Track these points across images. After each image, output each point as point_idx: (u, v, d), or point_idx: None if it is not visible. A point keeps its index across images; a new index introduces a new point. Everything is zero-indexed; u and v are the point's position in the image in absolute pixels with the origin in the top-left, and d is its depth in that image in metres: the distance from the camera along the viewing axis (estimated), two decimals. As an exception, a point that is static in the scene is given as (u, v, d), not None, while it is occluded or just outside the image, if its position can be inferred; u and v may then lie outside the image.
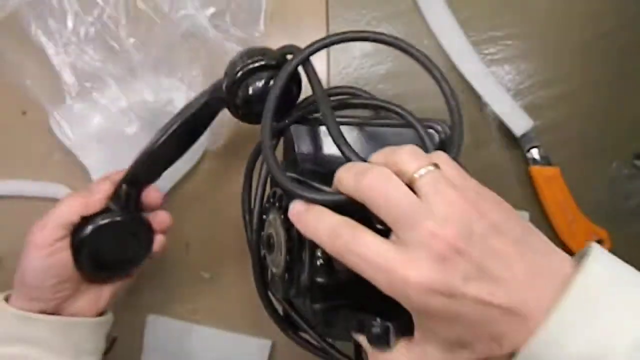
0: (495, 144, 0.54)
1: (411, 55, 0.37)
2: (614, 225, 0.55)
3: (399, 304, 0.28)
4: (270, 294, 0.44)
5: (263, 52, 0.41)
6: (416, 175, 0.29)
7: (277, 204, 0.37)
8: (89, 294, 0.43)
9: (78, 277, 0.41)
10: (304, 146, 0.39)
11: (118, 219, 0.41)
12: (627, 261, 0.56)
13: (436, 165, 0.29)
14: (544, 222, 0.54)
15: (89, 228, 0.40)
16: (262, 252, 0.42)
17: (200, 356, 0.54)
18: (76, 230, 0.40)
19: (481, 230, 0.27)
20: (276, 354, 0.55)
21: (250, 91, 0.41)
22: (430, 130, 0.39)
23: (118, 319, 0.54)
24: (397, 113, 0.40)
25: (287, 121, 0.41)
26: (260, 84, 0.40)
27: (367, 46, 0.54)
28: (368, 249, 0.28)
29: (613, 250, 0.56)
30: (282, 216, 0.36)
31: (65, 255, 0.40)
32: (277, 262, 0.37)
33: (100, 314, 0.44)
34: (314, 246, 0.34)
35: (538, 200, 0.54)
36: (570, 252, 0.50)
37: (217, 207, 0.54)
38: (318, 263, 0.34)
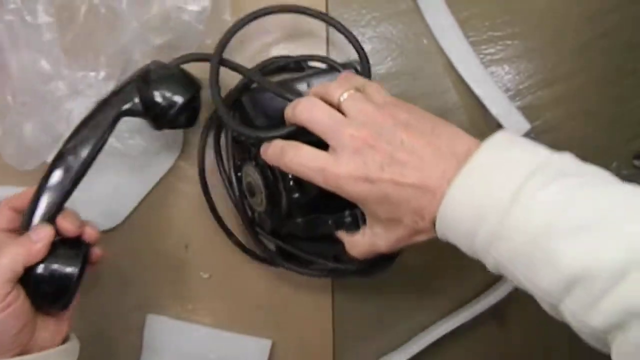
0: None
1: (311, 15, 0.47)
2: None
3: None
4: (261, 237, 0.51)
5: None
6: (341, 99, 0.37)
7: (249, 157, 0.46)
8: (50, 324, 0.40)
9: (35, 314, 0.39)
10: (256, 109, 0.47)
11: (65, 259, 0.39)
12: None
13: (358, 89, 0.38)
14: (544, 222, 0.54)
15: (41, 272, 0.38)
16: (247, 202, 0.49)
17: (200, 356, 0.54)
18: (27, 274, 0.38)
19: (391, 128, 0.35)
20: (276, 354, 0.55)
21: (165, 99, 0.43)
22: (351, 69, 0.47)
23: (118, 319, 0.54)
24: (321, 60, 0.49)
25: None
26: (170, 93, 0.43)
27: (366, 47, 0.54)
28: (306, 157, 0.37)
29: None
30: (254, 163, 0.45)
31: (19, 304, 0.37)
32: (259, 201, 0.46)
33: (65, 340, 0.41)
34: (283, 174, 0.42)
35: (538, 200, 0.54)
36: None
37: (217, 206, 0.54)
38: (291, 183, 0.43)
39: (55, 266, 0.39)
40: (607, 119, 0.55)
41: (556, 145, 0.54)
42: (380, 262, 0.45)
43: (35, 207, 0.40)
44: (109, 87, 0.47)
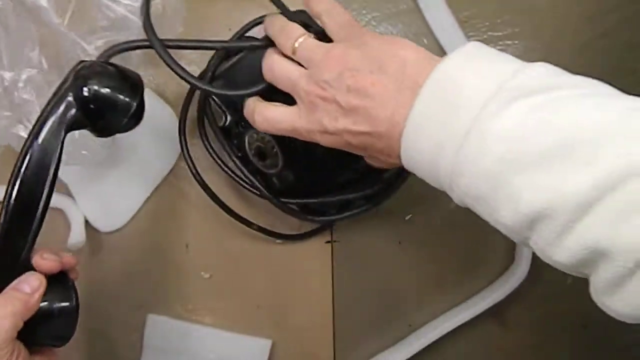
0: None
1: None
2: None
3: None
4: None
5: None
6: (296, 45, 0.37)
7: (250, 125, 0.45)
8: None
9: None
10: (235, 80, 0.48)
11: (59, 296, 0.38)
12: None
13: (309, 34, 0.38)
14: (544, 222, 0.54)
15: (41, 317, 0.37)
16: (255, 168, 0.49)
17: (200, 356, 0.54)
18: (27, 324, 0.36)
19: (337, 76, 0.34)
20: (276, 354, 0.55)
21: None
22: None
23: (118, 318, 0.54)
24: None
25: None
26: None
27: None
28: (274, 118, 0.39)
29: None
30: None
31: (22, 355, 0.36)
32: (275, 161, 0.47)
33: None
34: None
35: (538, 200, 0.54)
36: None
37: (217, 207, 0.54)
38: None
39: (54, 306, 0.38)
40: (607, 119, 0.55)
41: (556, 145, 0.54)
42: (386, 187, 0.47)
43: (9, 258, 0.37)
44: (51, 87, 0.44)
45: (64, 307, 0.38)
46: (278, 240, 0.54)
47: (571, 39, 0.54)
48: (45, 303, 0.37)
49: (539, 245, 0.28)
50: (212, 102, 0.50)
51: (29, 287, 0.36)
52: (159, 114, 0.52)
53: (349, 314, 0.55)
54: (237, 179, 0.50)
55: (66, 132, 0.37)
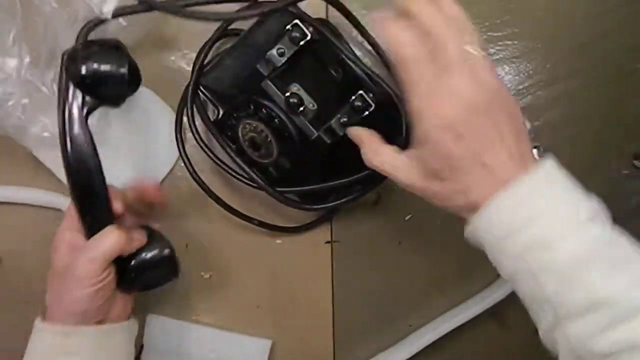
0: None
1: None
2: (614, 225, 0.55)
3: None
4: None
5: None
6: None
7: (252, 113, 0.47)
8: (121, 300, 0.45)
9: (114, 291, 0.44)
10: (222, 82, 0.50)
11: (158, 251, 0.46)
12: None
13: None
14: (544, 222, 0.54)
15: (135, 263, 0.45)
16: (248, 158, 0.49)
17: (200, 356, 0.54)
18: (122, 262, 0.43)
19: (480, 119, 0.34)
20: (276, 354, 0.55)
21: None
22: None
23: (118, 319, 0.54)
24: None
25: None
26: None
27: (367, 46, 0.54)
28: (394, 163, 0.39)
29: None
30: (256, 117, 0.46)
31: (109, 281, 0.42)
32: (269, 149, 0.47)
33: (129, 316, 0.46)
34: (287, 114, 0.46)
35: (538, 200, 0.54)
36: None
37: (217, 207, 0.54)
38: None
39: (152, 255, 0.45)
40: (607, 119, 0.55)
41: (556, 145, 0.54)
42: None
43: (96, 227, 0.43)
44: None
45: (162, 255, 0.45)
46: (278, 241, 0.55)
47: (571, 39, 0.54)
48: (144, 257, 0.45)
49: (580, 330, 0.31)
50: (203, 96, 0.50)
51: (138, 235, 0.44)
52: (159, 115, 0.53)
53: (349, 314, 0.55)
54: (233, 172, 0.50)
55: (86, 116, 0.41)
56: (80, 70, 0.40)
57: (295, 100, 0.45)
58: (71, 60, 0.41)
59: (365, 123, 0.44)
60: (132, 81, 0.42)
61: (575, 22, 0.54)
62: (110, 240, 0.42)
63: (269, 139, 0.47)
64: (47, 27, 0.45)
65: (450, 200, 0.36)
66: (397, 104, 0.45)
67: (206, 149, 0.50)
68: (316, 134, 0.45)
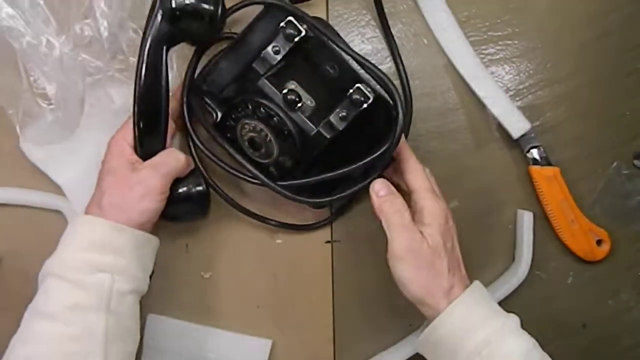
0: (495, 144, 0.54)
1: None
2: (614, 225, 0.55)
3: None
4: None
5: None
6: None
7: (250, 113, 0.47)
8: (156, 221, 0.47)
9: None
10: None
11: (197, 186, 0.48)
12: (627, 261, 0.56)
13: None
14: (544, 222, 0.54)
15: (175, 192, 0.47)
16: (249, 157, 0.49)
17: (200, 356, 0.54)
18: (172, 190, 0.46)
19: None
20: (276, 354, 0.55)
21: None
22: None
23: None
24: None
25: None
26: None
27: (365, 47, 0.54)
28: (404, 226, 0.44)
29: (613, 250, 0.56)
30: (254, 117, 0.46)
31: (166, 197, 0.46)
32: (270, 149, 0.47)
33: None
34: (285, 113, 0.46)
35: (538, 200, 0.54)
36: (570, 253, 0.50)
37: (216, 206, 0.54)
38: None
39: (192, 190, 0.48)
40: (607, 119, 0.55)
41: (556, 145, 0.54)
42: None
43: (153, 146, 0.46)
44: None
45: (199, 190, 0.48)
46: (278, 240, 0.55)
47: (571, 39, 0.54)
48: (184, 188, 0.47)
49: None
50: (201, 101, 0.50)
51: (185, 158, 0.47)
52: None
53: (349, 314, 0.55)
54: (236, 172, 0.49)
55: (167, 48, 0.44)
56: (171, 2, 0.42)
57: (293, 97, 0.45)
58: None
59: (364, 116, 0.44)
60: (220, 21, 0.44)
61: (575, 22, 0.54)
62: (179, 160, 0.46)
63: (268, 138, 0.47)
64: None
65: (425, 290, 0.43)
66: (394, 94, 0.43)
67: (210, 155, 0.50)
68: (315, 130, 0.45)
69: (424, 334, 0.43)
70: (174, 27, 0.43)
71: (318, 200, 0.49)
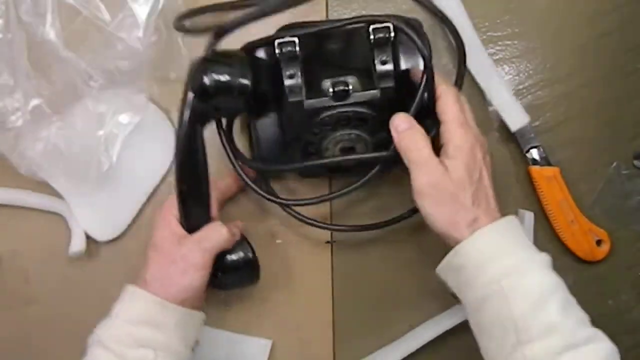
0: (495, 144, 0.54)
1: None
2: (614, 225, 0.55)
3: None
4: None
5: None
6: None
7: (323, 136, 0.47)
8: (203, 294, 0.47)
9: None
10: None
11: (244, 255, 0.49)
12: (627, 261, 0.56)
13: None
14: (544, 222, 0.54)
15: (222, 262, 0.47)
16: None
17: (200, 356, 0.54)
18: (220, 260, 0.47)
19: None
20: (276, 354, 0.55)
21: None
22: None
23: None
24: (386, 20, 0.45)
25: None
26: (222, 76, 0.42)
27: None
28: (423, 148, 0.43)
29: (613, 250, 0.56)
30: (328, 131, 0.46)
31: (209, 270, 0.46)
32: (362, 141, 0.47)
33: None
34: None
35: (538, 200, 0.54)
36: (570, 253, 0.50)
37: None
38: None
39: (240, 259, 0.49)
40: (607, 119, 0.55)
41: (556, 145, 0.54)
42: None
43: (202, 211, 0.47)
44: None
45: (245, 259, 0.49)
46: (278, 240, 0.55)
47: (571, 39, 0.54)
48: (231, 258, 0.48)
49: (539, 355, 0.37)
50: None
51: (236, 227, 0.49)
52: (158, 127, 0.53)
53: (349, 314, 0.55)
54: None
55: (202, 126, 0.44)
56: (202, 80, 0.41)
57: (340, 88, 0.44)
58: (195, 69, 0.42)
59: (394, 46, 0.44)
60: (252, 93, 0.43)
61: (575, 22, 0.54)
62: (222, 234, 0.46)
63: (353, 135, 0.47)
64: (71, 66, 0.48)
65: (449, 223, 0.41)
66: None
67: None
68: (378, 89, 0.45)
69: (445, 258, 0.42)
70: (208, 105, 0.43)
71: (317, 199, 0.49)
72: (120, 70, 0.49)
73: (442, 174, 0.41)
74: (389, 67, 0.44)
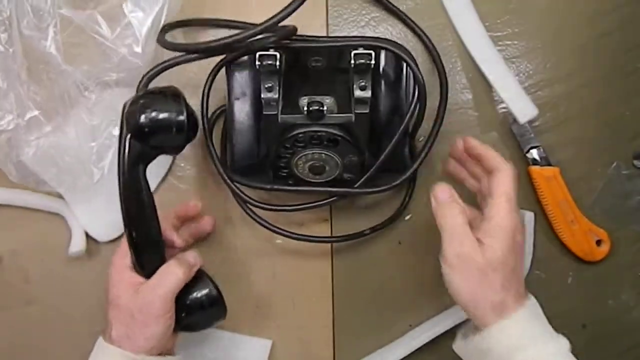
0: (495, 144, 0.54)
1: None
2: (614, 225, 0.55)
3: None
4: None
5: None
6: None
7: (293, 151, 0.47)
8: (171, 337, 0.46)
9: None
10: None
11: (211, 290, 0.47)
12: (627, 261, 0.56)
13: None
14: (544, 222, 0.54)
15: (185, 303, 0.45)
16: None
17: (200, 356, 0.54)
18: (182, 300, 0.45)
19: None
20: (276, 354, 0.55)
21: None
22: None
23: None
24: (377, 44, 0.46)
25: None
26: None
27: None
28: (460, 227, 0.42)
29: (613, 250, 0.56)
30: (300, 148, 0.46)
31: (172, 317, 0.44)
32: (332, 163, 0.47)
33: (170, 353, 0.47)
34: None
35: (538, 200, 0.54)
36: (570, 253, 0.50)
37: (216, 207, 0.54)
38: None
39: (201, 296, 0.46)
40: (607, 119, 0.55)
41: (556, 145, 0.54)
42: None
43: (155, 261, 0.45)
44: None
45: (210, 295, 0.46)
46: (278, 240, 0.55)
47: (571, 39, 0.54)
48: (193, 297, 0.46)
49: None
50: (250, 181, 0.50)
51: (193, 259, 0.46)
52: None
53: (349, 314, 0.55)
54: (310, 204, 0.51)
55: (144, 165, 0.43)
56: (138, 120, 0.41)
57: (315, 108, 0.45)
58: (130, 110, 0.41)
59: (375, 73, 0.45)
60: (190, 129, 0.42)
61: (575, 22, 0.54)
62: (176, 276, 0.44)
63: (324, 155, 0.47)
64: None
65: (472, 301, 0.41)
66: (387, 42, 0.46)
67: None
68: (353, 114, 0.45)
69: (470, 340, 0.42)
70: (145, 145, 0.42)
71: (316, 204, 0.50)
72: (117, 81, 0.49)
73: (474, 248, 0.40)
74: (367, 93, 0.44)
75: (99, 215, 0.53)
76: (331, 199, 0.50)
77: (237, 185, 0.50)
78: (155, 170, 0.53)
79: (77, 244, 0.52)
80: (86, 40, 0.47)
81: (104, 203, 0.52)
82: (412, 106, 0.46)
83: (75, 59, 0.48)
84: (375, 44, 0.45)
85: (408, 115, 0.46)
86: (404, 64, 0.47)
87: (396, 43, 0.47)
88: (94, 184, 0.50)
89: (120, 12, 0.47)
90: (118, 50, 0.47)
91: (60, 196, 0.53)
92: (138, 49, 0.47)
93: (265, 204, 0.50)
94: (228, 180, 0.49)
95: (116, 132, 0.49)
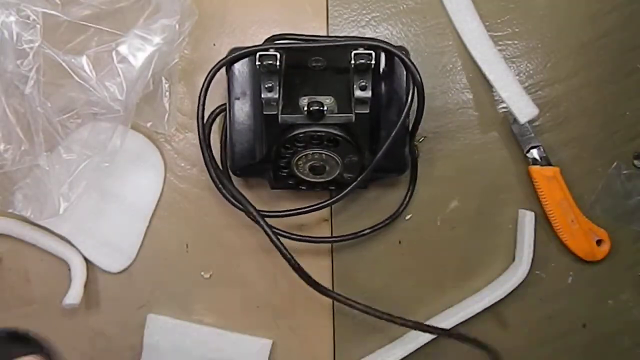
0: (495, 144, 0.54)
1: None
2: (614, 225, 0.55)
3: None
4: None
5: None
6: None
7: (294, 151, 0.47)
8: None
9: None
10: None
11: None
12: (627, 261, 0.56)
13: None
14: (544, 222, 0.54)
15: None
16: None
17: (200, 356, 0.54)
18: None
19: None
20: (276, 354, 0.55)
21: None
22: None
23: (118, 318, 0.54)
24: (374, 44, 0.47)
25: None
26: None
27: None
28: None
29: (613, 250, 0.56)
30: (300, 148, 0.47)
31: None
32: (332, 163, 0.48)
33: None
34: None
35: (538, 200, 0.54)
36: (570, 253, 0.50)
37: (216, 207, 0.54)
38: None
39: None
40: (607, 119, 0.55)
41: (556, 145, 0.54)
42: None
43: None
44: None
45: None
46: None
47: (571, 39, 0.54)
48: None
49: None
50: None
51: None
52: (147, 154, 0.54)
53: (349, 314, 0.55)
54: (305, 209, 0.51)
55: None
56: None
57: (315, 108, 0.45)
58: None
59: (375, 73, 0.45)
60: None
61: (575, 22, 0.54)
62: None
63: (324, 155, 0.47)
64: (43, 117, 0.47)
65: None
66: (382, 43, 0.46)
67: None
68: (353, 114, 0.45)
69: None
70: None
71: (316, 206, 0.50)
72: (95, 115, 0.48)
73: None
74: (367, 93, 0.44)
75: (106, 246, 0.54)
76: (331, 200, 0.50)
77: (234, 191, 0.50)
78: (154, 172, 0.54)
79: (73, 297, 0.51)
80: (69, 79, 0.46)
81: (108, 234, 0.53)
82: (409, 105, 0.46)
83: (57, 91, 0.47)
84: (375, 44, 0.45)
85: (404, 114, 0.46)
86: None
87: (392, 45, 0.47)
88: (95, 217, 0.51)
89: (108, 57, 0.46)
90: (100, 93, 0.46)
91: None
92: (121, 97, 0.46)
93: (265, 211, 0.50)
94: (223, 190, 0.50)
95: (90, 164, 0.49)
